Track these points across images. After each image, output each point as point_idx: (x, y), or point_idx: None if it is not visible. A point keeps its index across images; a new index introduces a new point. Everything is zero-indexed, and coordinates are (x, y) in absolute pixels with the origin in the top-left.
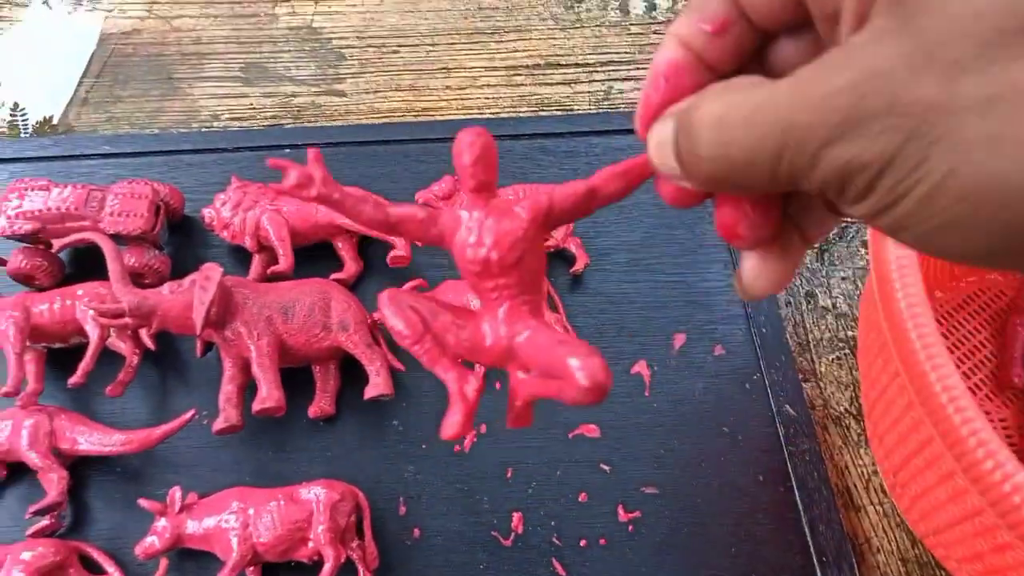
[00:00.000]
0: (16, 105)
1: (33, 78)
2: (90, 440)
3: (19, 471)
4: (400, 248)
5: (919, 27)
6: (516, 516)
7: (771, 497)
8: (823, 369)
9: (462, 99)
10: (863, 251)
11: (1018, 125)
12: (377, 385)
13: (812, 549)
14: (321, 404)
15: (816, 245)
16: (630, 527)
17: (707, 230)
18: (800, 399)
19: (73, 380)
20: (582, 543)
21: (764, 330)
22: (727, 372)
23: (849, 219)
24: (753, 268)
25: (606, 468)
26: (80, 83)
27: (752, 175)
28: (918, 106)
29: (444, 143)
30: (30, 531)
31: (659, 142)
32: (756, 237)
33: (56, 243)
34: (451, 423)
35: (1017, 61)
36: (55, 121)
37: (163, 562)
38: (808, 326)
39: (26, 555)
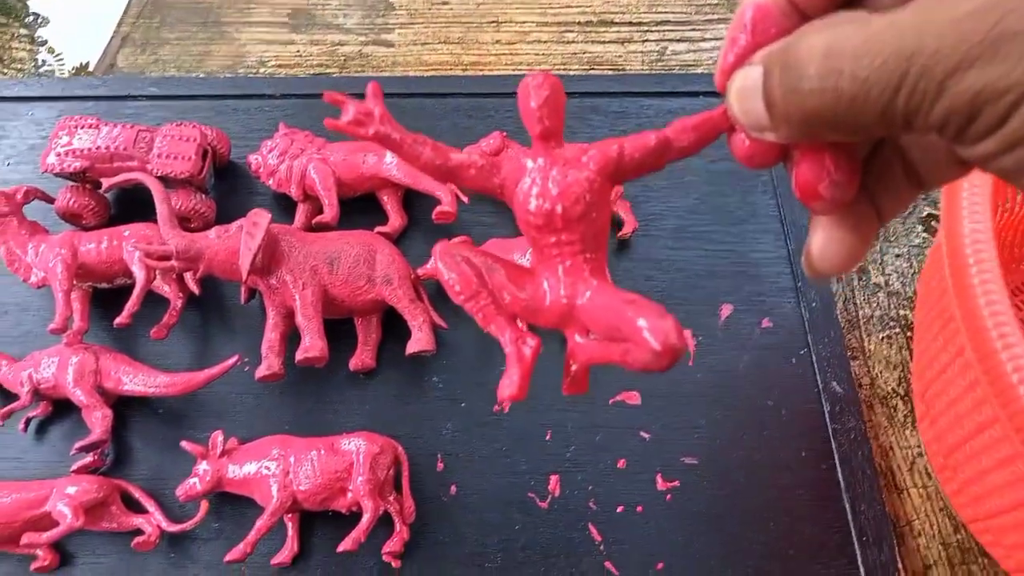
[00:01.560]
0: (52, 50)
1: (71, 22)
2: (134, 380)
3: (64, 408)
4: (446, 203)
5: None
6: (553, 479)
7: (813, 474)
8: (872, 347)
9: (512, 54)
10: (919, 228)
11: None
12: (419, 341)
13: (852, 528)
14: (362, 357)
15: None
16: (668, 496)
17: (760, 200)
18: (847, 376)
19: (119, 320)
20: (619, 509)
21: (814, 304)
22: (773, 345)
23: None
24: (823, 241)
25: (646, 436)
26: (120, 24)
27: (861, 111)
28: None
29: (493, 98)
30: (74, 467)
31: (742, 88)
32: (836, 198)
33: (104, 183)
34: (508, 384)
35: None
36: (91, 68)
37: (203, 504)
38: (859, 303)
39: (71, 489)
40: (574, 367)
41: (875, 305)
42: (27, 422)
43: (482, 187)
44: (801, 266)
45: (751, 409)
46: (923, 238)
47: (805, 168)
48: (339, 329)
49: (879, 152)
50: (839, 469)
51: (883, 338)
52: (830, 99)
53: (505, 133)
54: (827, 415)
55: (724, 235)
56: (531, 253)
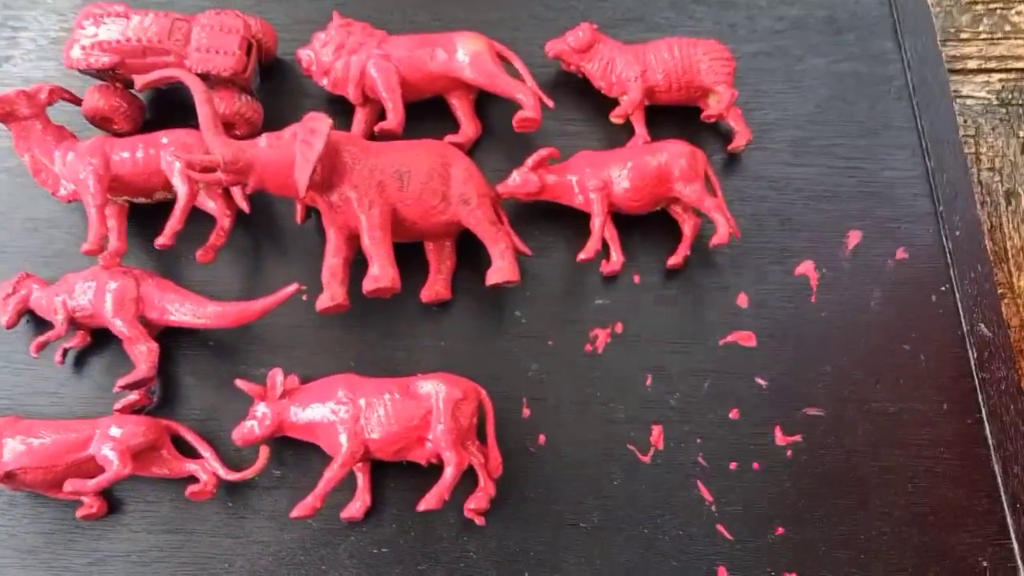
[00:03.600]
0: None
1: None
2: (181, 310)
3: (104, 337)
4: (528, 108)
5: None
6: (656, 429)
7: (956, 429)
8: (1023, 284)
9: None
10: None
11: None
12: (501, 270)
13: (1003, 493)
14: (435, 287)
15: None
16: (788, 452)
17: (893, 108)
18: (998, 318)
19: (160, 241)
20: (732, 466)
21: (958, 233)
22: (910, 280)
23: None
24: None
25: (762, 383)
26: None
27: None
28: None
29: None
30: (118, 405)
31: None
32: None
33: (137, 81)
34: None
35: None
36: None
37: (264, 450)
38: (1007, 232)
39: (116, 431)
40: None
41: None
42: (64, 353)
43: None
44: (940, 186)
45: (884, 354)
46: None
47: None
48: (409, 255)
49: None
50: (987, 425)
51: None
52: None
53: (595, 25)
54: (974, 362)
55: (850, 149)
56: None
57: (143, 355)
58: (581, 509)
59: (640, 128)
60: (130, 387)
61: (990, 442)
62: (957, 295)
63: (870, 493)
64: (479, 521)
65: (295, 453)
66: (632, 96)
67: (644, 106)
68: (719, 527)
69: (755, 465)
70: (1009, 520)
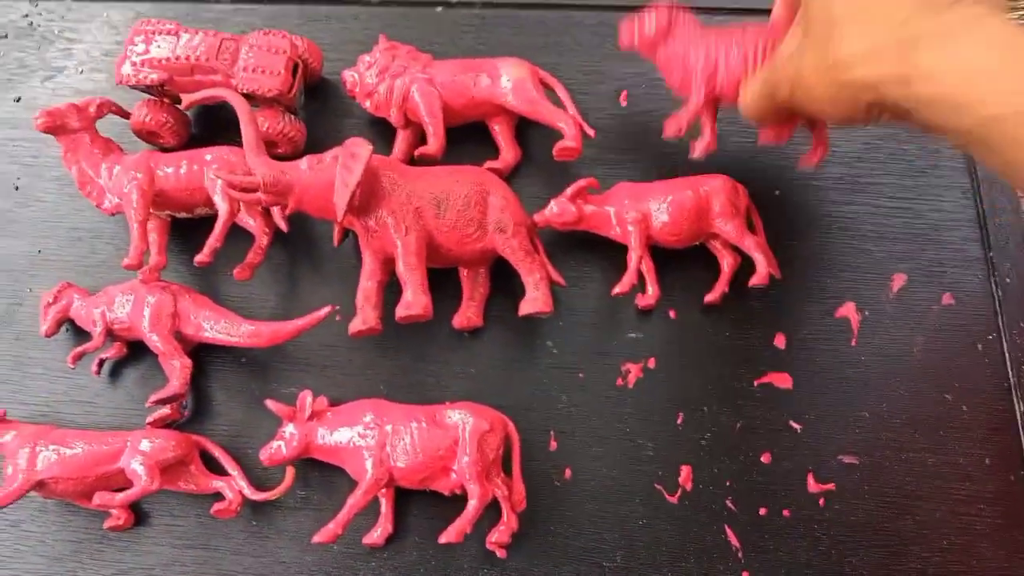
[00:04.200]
0: None
1: None
2: (216, 327)
3: (139, 349)
4: (569, 137)
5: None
6: (685, 470)
7: (998, 486)
8: None
9: None
10: None
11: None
12: (535, 300)
13: None
14: (468, 314)
15: None
16: (821, 500)
17: (944, 147)
18: None
19: (200, 258)
20: (761, 511)
21: (1008, 280)
22: (955, 327)
23: None
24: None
25: (796, 427)
26: None
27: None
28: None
29: (626, 11)
30: (150, 419)
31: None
32: None
33: (185, 99)
34: None
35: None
36: None
37: (289, 471)
38: None
39: (146, 445)
40: None
41: None
42: (100, 364)
43: None
44: (992, 230)
45: (926, 402)
46: None
47: None
48: (443, 281)
49: None
50: None
51: None
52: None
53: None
54: (1019, 416)
55: (898, 188)
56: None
57: (176, 371)
58: (604, 548)
59: (707, 132)
60: (162, 402)
61: None
62: (1005, 344)
63: (905, 548)
64: (500, 554)
65: (321, 475)
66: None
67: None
68: (745, 574)
69: (785, 512)
70: None
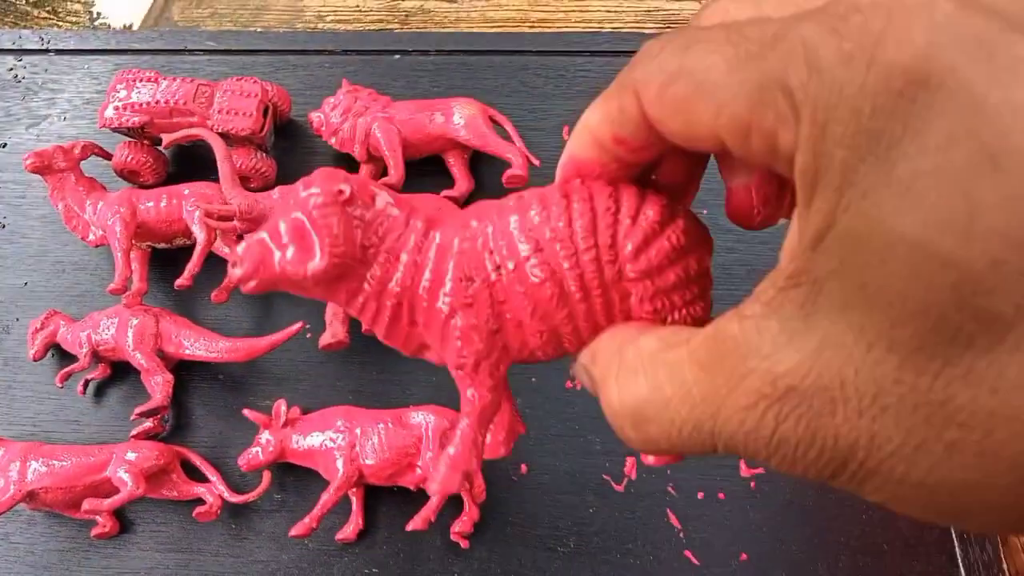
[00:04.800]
0: (97, 15)
1: None
2: (195, 345)
3: (123, 371)
4: (517, 166)
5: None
6: (630, 461)
7: None
8: None
9: (581, 11)
10: None
11: (950, 474)
12: None
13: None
14: None
15: None
16: (752, 483)
17: None
18: None
19: (179, 282)
20: (699, 495)
21: None
22: None
23: None
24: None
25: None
26: None
27: (693, 449)
28: (842, 442)
29: (564, 56)
30: (134, 432)
31: (583, 382)
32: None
33: (165, 139)
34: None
35: (949, 398)
36: (135, 28)
37: (266, 475)
38: None
39: (131, 455)
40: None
41: None
42: (85, 384)
43: None
44: None
45: None
46: None
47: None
48: None
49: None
50: None
51: None
52: (653, 449)
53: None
54: None
55: None
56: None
57: (159, 385)
58: (558, 534)
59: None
60: (146, 415)
61: None
62: None
63: (828, 524)
64: (463, 544)
65: (295, 479)
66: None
67: None
68: (687, 552)
69: (720, 495)
70: (957, 550)
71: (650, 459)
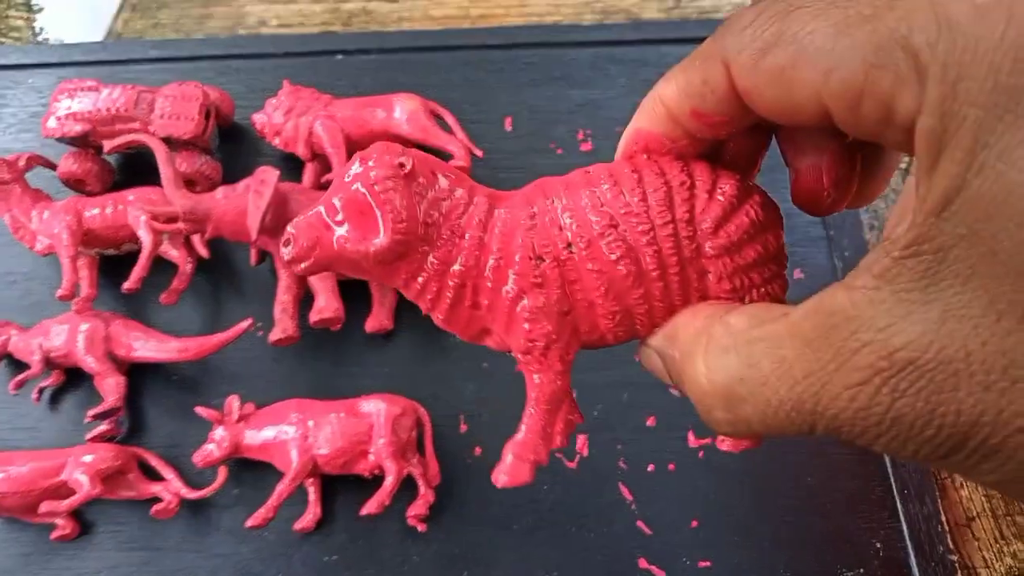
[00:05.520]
0: (40, 30)
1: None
2: (146, 346)
3: (76, 376)
4: (459, 158)
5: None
6: (581, 438)
7: None
8: None
9: (522, 5)
10: None
11: None
12: None
13: (893, 481)
14: (379, 318)
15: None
16: (700, 453)
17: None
18: None
19: (127, 285)
20: (649, 468)
21: (847, 254)
22: (806, 295)
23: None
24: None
25: (676, 392)
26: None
27: (782, 432)
28: (965, 417)
29: (505, 50)
30: (89, 435)
31: (652, 367)
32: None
33: (106, 146)
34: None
35: None
36: (89, 35)
37: (222, 471)
38: None
39: (87, 458)
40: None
41: None
42: (40, 391)
43: None
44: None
45: None
46: None
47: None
48: (354, 290)
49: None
50: None
51: None
52: (744, 432)
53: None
54: None
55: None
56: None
57: (111, 387)
58: (514, 513)
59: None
60: (100, 416)
61: None
62: None
63: (775, 487)
64: (421, 528)
65: (252, 474)
66: None
67: None
68: (639, 523)
69: (671, 466)
70: (899, 505)
71: (726, 444)
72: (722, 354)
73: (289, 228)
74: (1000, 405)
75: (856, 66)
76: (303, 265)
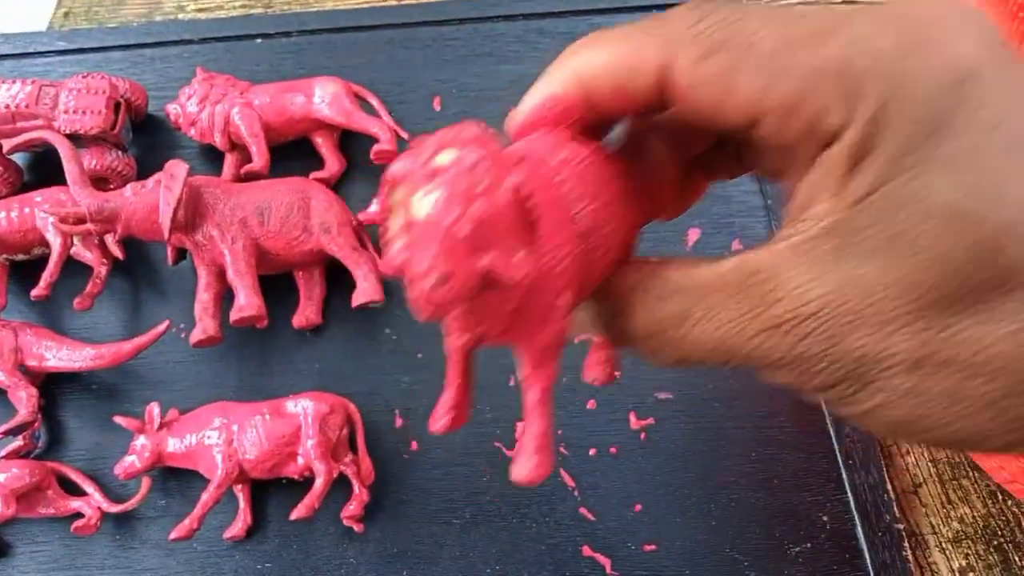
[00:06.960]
0: None
1: None
2: (59, 355)
3: None
4: (384, 141)
5: (863, 268)
6: (520, 426)
7: (793, 399)
8: None
9: None
10: None
11: (934, 386)
12: (366, 291)
13: (838, 452)
14: (306, 313)
15: None
16: (643, 435)
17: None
18: None
19: (36, 292)
20: (591, 452)
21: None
22: None
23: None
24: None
25: (616, 373)
26: None
27: (703, 363)
28: (852, 356)
29: (429, 27)
30: (3, 452)
31: (581, 323)
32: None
33: (6, 145)
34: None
35: (949, 330)
36: None
37: (145, 481)
38: None
39: (0, 477)
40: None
41: None
42: None
43: None
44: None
45: None
46: None
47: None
48: (280, 285)
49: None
50: None
51: None
52: (670, 363)
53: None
54: None
55: None
56: None
57: (23, 400)
58: (454, 507)
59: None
60: (12, 432)
61: (824, 409)
62: None
63: (719, 465)
64: (357, 528)
65: (178, 483)
66: None
67: None
68: (582, 509)
69: (612, 449)
70: (844, 476)
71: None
72: (657, 302)
73: (398, 253)
74: (878, 349)
75: (794, 83)
76: (447, 302)
